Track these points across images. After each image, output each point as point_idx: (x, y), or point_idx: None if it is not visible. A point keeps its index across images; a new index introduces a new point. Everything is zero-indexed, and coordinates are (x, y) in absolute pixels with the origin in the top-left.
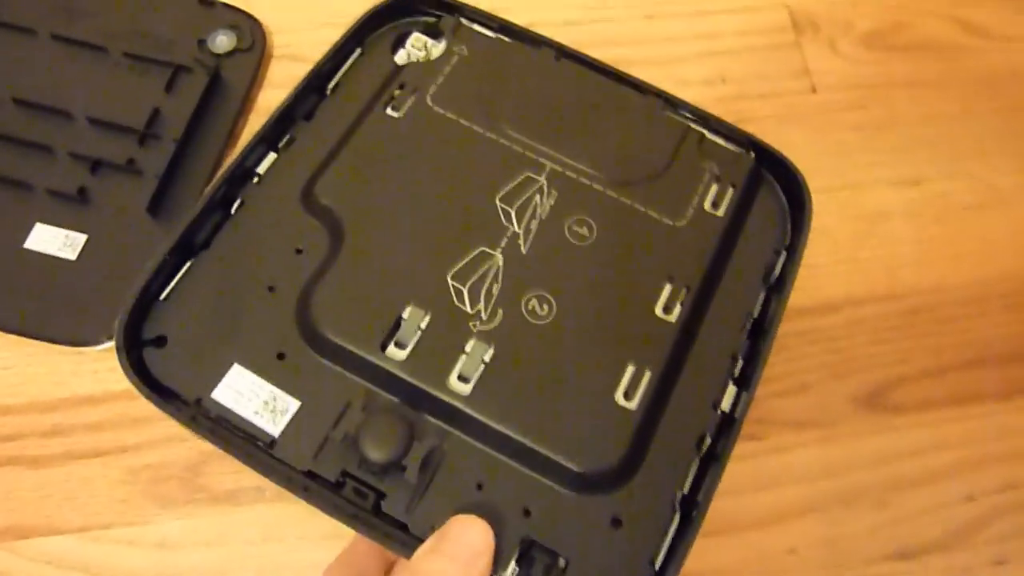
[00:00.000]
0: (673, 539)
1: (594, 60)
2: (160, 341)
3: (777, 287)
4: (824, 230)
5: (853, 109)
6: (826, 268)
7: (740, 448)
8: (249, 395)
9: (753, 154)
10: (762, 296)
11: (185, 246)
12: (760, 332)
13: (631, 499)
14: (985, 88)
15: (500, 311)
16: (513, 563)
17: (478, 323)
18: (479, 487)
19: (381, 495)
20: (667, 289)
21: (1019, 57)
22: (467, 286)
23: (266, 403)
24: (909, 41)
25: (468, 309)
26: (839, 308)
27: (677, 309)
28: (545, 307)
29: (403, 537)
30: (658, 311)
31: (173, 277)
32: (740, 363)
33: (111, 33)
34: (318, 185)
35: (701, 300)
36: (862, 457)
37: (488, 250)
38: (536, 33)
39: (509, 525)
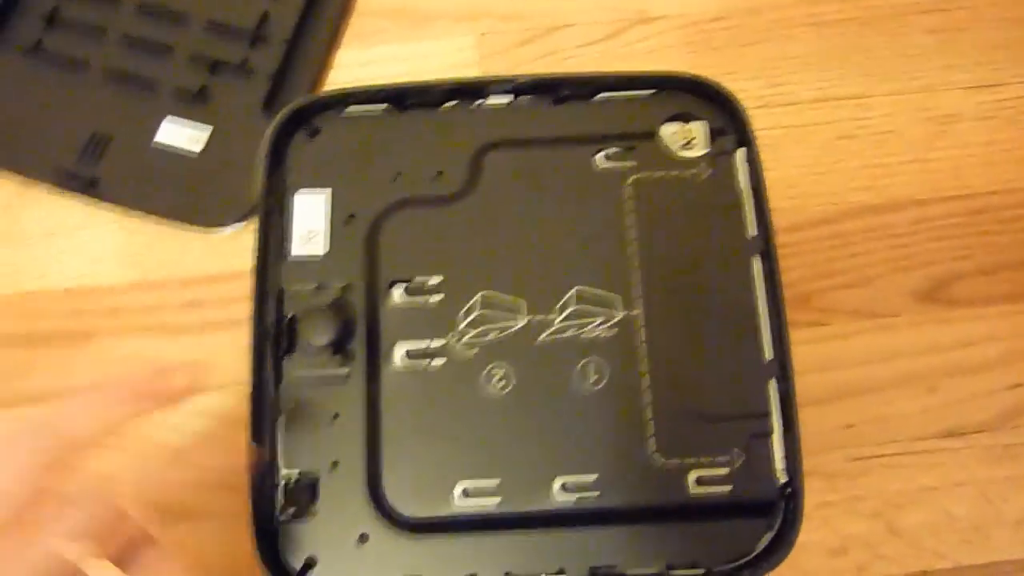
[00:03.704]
0: None
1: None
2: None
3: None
4: (895, 131)
5: (932, 12)
6: (894, 168)
7: (806, 333)
8: None
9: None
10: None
11: None
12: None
13: None
14: None
15: (476, 348)
16: None
17: (454, 338)
18: None
19: None
20: None
21: None
22: (469, 309)
23: None
24: None
25: (456, 318)
26: (904, 207)
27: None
28: (503, 382)
29: None
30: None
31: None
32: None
33: None
34: None
35: None
36: (918, 345)
37: (521, 304)
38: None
39: None
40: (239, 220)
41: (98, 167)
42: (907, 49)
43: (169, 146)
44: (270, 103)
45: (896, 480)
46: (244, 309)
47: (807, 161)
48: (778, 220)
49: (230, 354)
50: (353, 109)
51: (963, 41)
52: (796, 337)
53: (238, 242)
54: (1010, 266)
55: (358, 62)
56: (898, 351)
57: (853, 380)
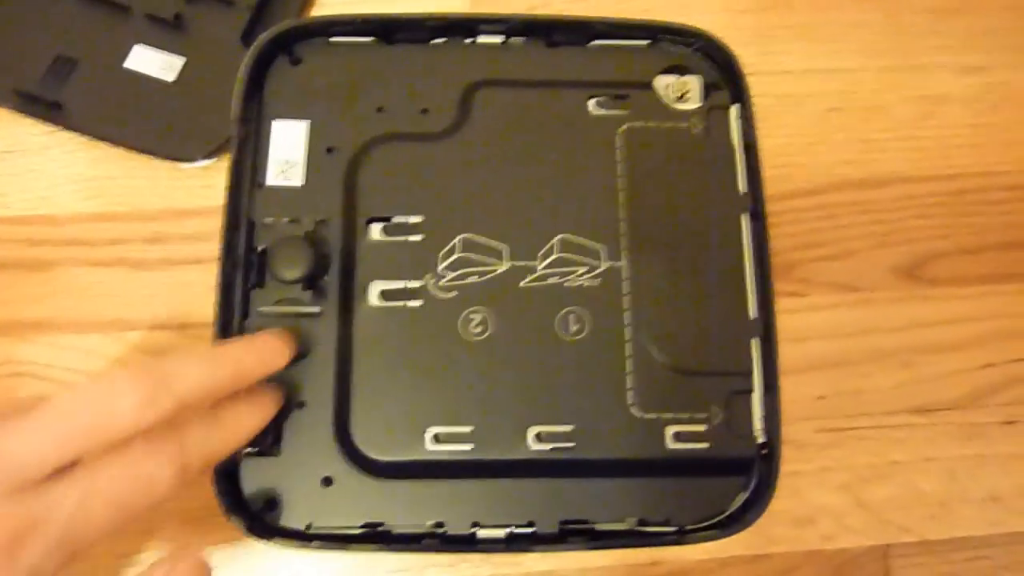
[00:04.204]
0: None
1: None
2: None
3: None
4: (884, 107)
5: None
6: (880, 144)
7: (784, 303)
8: None
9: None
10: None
11: None
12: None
13: None
14: None
15: (455, 291)
16: None
17: (432, 280)
18: None
19: None
20: None
21: None
22: (449, 251)
23: None
24: None
25: (435, 259)
26: (890, 183)
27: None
28: (481, 327)
29: None
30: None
31: None
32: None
33: None
34: None
35: None
36: (894, 321)
37: (503, 249)
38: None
39: None
40: (209, 155)
41: (62, 91)
42: (901, 27)
43: (140, 74)
44: (249, 36)
45: (866, 453)
46: (210, 247)
47: (794, 131)
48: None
49: (192, 292)
50: (338, 39)
51: (957, 23)
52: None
53: (207, 178)
54: (990, 248)
55: (342, 0)
56: (874, 326)
57: (828, 352)
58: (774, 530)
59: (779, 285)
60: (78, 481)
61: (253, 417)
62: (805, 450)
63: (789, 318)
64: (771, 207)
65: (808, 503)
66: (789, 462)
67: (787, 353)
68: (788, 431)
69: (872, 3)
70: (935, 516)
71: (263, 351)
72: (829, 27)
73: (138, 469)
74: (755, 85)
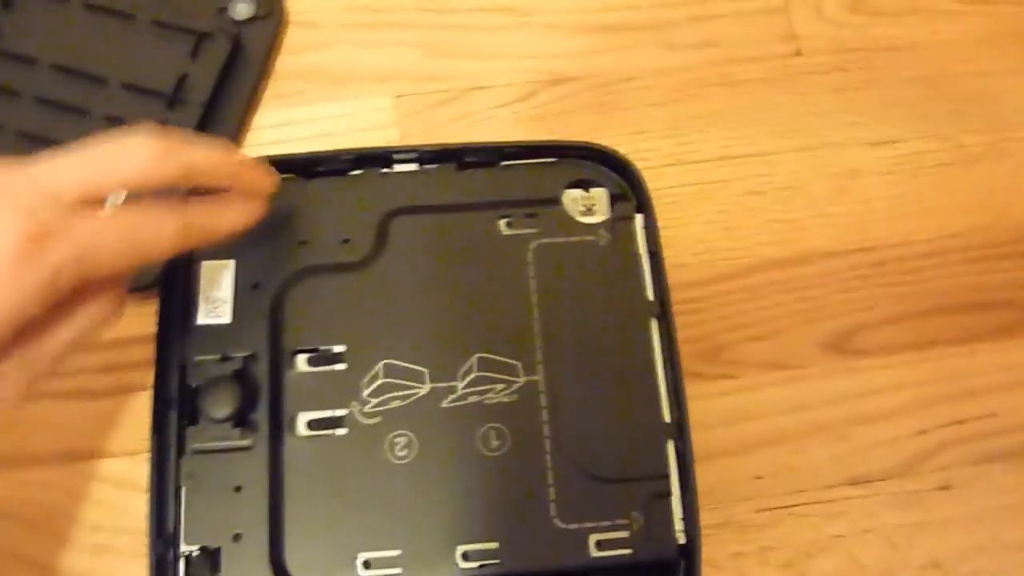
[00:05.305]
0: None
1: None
2: None
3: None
4: (800, 187)
5: (835, 72)
6: (801, 222)
7: (716, 386)
8: None
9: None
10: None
11: None
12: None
13: None
14: (960, 52)
15: (379, 416)
16: None
17: (357, 407)
18: None
19: None
20: None
21: (994, 22)
22: (372, 377)
23: None
24: (893, 6)
25: (359, 387)
26: (811, 260)
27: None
28: (406, 450)
29: None
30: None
31: None
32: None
33: (138, 2)
34: None
35: None
36: (826, 395)
37: (424, 372)
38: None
39: None
40: (153, 284)
41: None
42: (811, 107)
43: None
44: None
45: (805, 529)
46: None
47: (715, 216)
48: (687, 275)
49: (141, 420)
50: None
51: (864, 100)
52: (706, 390)
53: (149, 306)
54: (913, 316)
55: (276, 123)
56: (806, 402)
57: (762, 431)
58: None
59: (709, 368)
60: (97, 214)
61: (245, 210)
62: (746, 531)
63: (721, 401)
64: (696, 292)
65: None
66: (731, 543)
67: (721, 436)
68: (728, 513)
69: (782, 86)
70: None
71: (257, 168)
72: (742, 113)
73: (147, 217)
74: (674, 174)
